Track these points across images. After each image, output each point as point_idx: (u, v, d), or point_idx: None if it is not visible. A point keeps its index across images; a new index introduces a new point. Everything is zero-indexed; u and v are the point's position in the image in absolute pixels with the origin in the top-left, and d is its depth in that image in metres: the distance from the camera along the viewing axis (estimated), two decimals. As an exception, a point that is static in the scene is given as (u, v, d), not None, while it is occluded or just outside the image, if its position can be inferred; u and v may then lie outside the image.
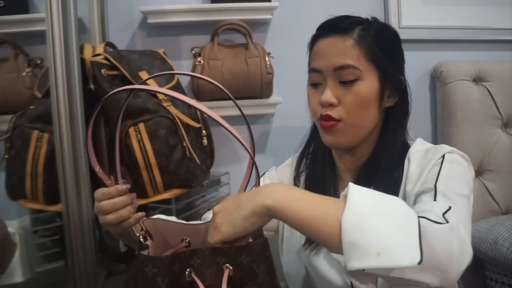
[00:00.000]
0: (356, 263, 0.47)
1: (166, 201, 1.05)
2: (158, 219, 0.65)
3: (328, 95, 0.70)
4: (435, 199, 0.59)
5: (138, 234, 0.59)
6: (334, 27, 0.73)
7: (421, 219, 0.49)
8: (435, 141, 1.50)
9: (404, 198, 0.69)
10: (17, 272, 1.02)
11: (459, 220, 0.53)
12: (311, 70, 0.74)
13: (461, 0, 1.50)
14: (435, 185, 0.62)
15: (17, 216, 1.10)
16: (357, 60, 0.70)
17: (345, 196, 0.52)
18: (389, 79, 0.73)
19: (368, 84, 0.71)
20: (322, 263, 0.75)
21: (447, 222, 0.51)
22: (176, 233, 0.63)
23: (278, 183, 0.57)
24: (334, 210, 0.51)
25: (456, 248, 0.49)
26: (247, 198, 0.54)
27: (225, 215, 0.55)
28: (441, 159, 0.67)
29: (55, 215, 1.08)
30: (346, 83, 0.70)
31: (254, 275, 0.53)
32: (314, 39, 0.76)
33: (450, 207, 0.55)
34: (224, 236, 0.54)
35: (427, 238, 0.47)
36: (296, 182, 0.84)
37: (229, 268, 0.54)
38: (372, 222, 0.48)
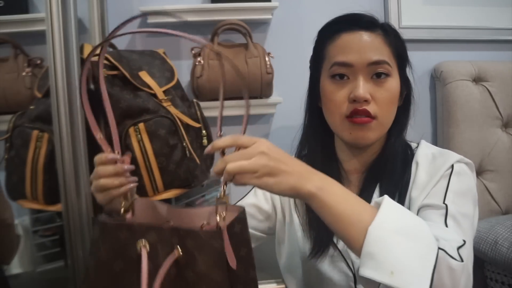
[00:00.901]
0: (368, 272, 0.49)
1: (166, 201, 1.04)
2: (150, 199, 0.64)
3: (364, 90, 0.68)
4: (446, 222, 0.60)
5: (121, 206, 0.57)
6: (360, 22, 0.71)
7: (440, 250, 0.50)
8: (435, 141, 1.50)
9: (409, 203, 0.69)
10: (20, 266, 1.03)
11: (469, 255, 0.55)
12: (339, 64, 0.70)
13: (461, 0, 1.50)
14: (445, 203, 0.62)
15: (17, 216, 1.10)
16: (388, 56, 0.70)
17: (378, 204, 0.53)
18: (405, 77, 0.74)
19: (396, 81, 0.71)
20: (328, 269, 0.74)
21: (462, 259, 0.52)
22: (163, 216, 0.61)
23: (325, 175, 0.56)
24: (365, 216, 0.52)
25: (463, 285, 0.52)
26: (299, 172, 0.53)
27: (275, 166, 0.52)
28: (450, 170, 0.67)
29: (55, 215, 1.08)
30: (378, 79, 0.69)
31: (194, 263, 0.51)
32: (335, 32, 0.72)
33: (464, 242, 0.56)
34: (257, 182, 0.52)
35: (440, 271, 0.49)
36: None
37: (178, 249, 0.52)
38: (395, 240, 0.49)
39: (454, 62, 1.43)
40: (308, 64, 0.81)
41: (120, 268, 0.53)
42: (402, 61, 0.73)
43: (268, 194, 0.85)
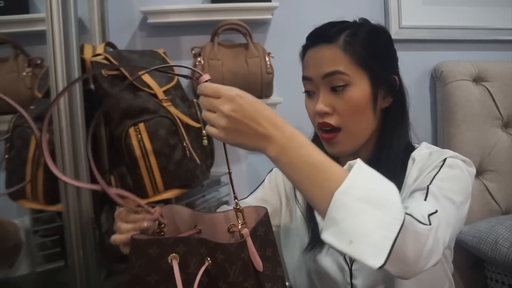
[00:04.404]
0: (329, 238, 0.50)
1: (166, 201, 1.05)
2: (176, 205, 0.66)
3: (322, 105, 0.72)
4: (425, 199, 0.60)
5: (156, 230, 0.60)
6: (320, 36, 0.75)
7: (407, 216, 0.50)
8: (435, 141, 1.50)
9: None
10: (22, 266, 1.05)
11: (440, 224, 0.55)
12: (303, 78, 0.77)
13: (461, 0, 1.50)
14: (428, 186, 0.62)
15: (17, 216, 1.09)
16: (345, 66, 0.71)
17: (351, 167, 0.52)
18: (381, 80, 0.74)
19: (359, 88, 0.71)
20: (325, 260, 0.75)
21: (430, 224, 0.53)
22: (189, 221, 0.64)
23: (300, 134, 0.55)
24: (333, 180, 0.51)
25: (428, 249, 0.51)
26: (261, 135, 0.53)
27: (234, 129, 0.53)
28: (442, 162, 0.67)
29: (55, 215, 1.07)
30: (337, 90, 0.71)
31: (226, 274, 0.54)
32: (304, 50, 0.78)
33: (436, 211, 0.56)
34: (218, 138, 0.54)
35: (405, 235, 0.48)
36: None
37: (209, 261, 0.55)
38: (360, 208, 0.48)
39: (454, 62, 1.43)
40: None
41: (155, 280, 0.55)
42: (371, 66, 0.72)
43: (274, 185, 0.87)
